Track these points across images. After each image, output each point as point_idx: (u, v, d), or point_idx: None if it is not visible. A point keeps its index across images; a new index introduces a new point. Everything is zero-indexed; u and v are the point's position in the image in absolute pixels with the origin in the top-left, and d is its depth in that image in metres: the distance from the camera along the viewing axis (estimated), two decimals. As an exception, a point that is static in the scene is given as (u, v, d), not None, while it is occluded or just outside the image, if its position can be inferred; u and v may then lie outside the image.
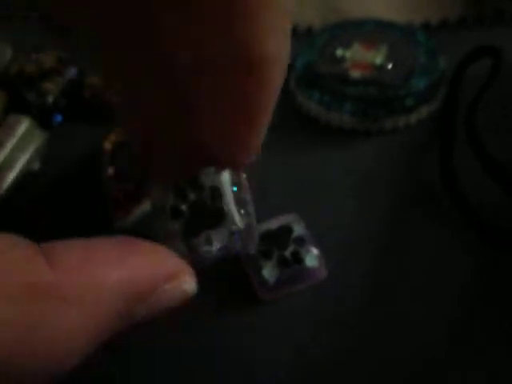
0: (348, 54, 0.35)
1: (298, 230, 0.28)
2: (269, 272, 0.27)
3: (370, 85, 0.34)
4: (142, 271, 0.19)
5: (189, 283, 0.20)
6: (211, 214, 0.21)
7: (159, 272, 0.19)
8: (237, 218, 0.21)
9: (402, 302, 0.27)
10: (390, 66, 0.34)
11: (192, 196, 0.21)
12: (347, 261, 0.28)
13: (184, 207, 0.21)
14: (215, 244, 0.21)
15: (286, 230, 0.28)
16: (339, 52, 0.35)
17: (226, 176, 0.22)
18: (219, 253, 0.21)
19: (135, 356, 0.26)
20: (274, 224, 0.28)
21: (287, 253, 0.27)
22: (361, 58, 0.35)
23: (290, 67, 0.36)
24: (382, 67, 0.34)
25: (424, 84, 0.34)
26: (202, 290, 0.27)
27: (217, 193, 0.21)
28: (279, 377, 0.25)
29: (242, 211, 0.21)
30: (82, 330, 0.17)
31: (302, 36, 0.39)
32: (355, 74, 0.34)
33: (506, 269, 0.27)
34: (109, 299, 0.18)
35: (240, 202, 0.21)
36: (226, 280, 0.28)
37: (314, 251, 0.28)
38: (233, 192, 0.21)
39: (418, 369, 0.25)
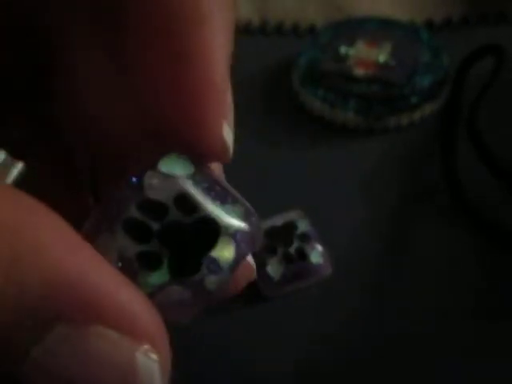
0: (352, 51, 0.35)
1: (303, 226, 0.28)
2: (273, 268, 0.27)
3: (374, 83, 0.34)
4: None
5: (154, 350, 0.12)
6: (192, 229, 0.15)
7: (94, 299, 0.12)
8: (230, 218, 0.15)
9: (403, 299, 0.27)
10: (393, 64, 0.34)
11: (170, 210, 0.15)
12: (351, 257, 0.28)
13: (155, 225, 0.15)
14: (223, 265, 0.15)
15: (291, 227, 0.28)
16: (343, 50, 0.35)
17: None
18: (228, 274, 0.15)
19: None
20: (278, 220, 0.28)
21: (292, 249, 0.27)
22: (364, 56, 0.35)
23: (293, 65, 0.36)
24: (385, 65, 0.34)
25: (428, 82, 0.34)
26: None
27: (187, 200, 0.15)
28: (282, 374, 0.25)
29: (231, 205, 0.15)
30: None
31: (304, 34, 0.39)
32: (359, 71, 0.34)
33: (507, 268, 0.28)
34: None
35: (221, 196, 0.16)
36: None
37: (319, 248, 0.28)
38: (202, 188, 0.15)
39: (420, 365, 0.25)
